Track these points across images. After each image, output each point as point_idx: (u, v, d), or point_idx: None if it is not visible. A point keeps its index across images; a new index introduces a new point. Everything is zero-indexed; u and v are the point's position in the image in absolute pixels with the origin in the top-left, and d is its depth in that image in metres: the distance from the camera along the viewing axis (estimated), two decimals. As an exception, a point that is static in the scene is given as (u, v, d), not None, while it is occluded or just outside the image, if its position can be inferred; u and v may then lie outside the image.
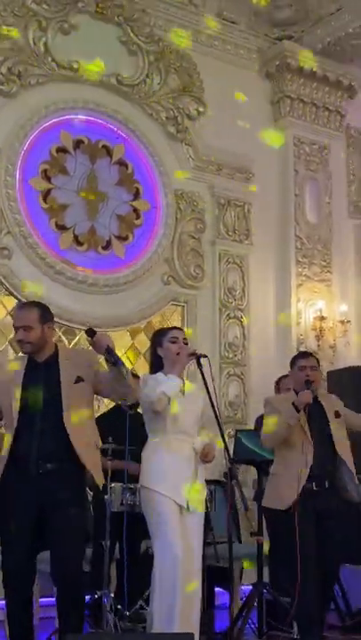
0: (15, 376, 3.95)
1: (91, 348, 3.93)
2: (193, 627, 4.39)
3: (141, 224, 7.52)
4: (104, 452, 5.14)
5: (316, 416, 4.80)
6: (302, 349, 8.15)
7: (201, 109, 7.94)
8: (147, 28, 7.75)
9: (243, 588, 5.99)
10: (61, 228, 7.09)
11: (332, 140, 8.81)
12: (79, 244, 7.16)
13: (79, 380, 3.95)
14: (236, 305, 7.90)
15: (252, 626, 5.34)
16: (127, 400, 4.23)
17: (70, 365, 3.99)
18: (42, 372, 3.96)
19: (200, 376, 4.51)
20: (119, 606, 5.36)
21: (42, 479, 3.80)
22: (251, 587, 6.32)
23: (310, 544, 4.61)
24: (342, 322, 8.28)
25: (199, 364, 4.65)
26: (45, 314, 4.02)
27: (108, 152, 7.46)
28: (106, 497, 5.31)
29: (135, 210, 7.51)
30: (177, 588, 4.29)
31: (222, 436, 4.57)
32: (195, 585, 4.50)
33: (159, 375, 4.53)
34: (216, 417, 4.45)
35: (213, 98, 8.03)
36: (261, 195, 8.23)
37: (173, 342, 4.66)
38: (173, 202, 7.69)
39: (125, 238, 7.42)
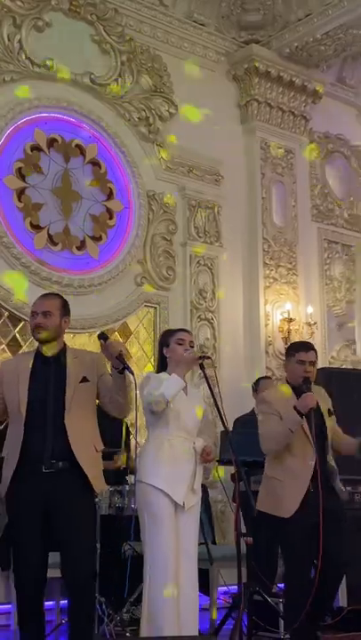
0: (22, 370, 3.88)
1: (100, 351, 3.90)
2: (189, 631, 4.38)
3: (115, 225, 7.47)
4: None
5: (313, 415, 4.61)
6: (270, 351, 8.24)
7: (172, 110, 7.93)
8: (118, 27, 7.71)
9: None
10: (36, 227, 6.98)
11: (297, 144, 8.91)
12: (54, 243, 7.06)
13: (85, 380, 3.91)
14: (207, 306, 7.91)
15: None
16: (121, 414, 4.16)
17: (78, 364, 3.95)
18: (51, 367, 3.91)
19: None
20: (110, 611, 5.32)
21: (53, 478, 3.75)
22: (227, 588, 6.38)
23: (308, 551, 4.54)
24: (309, 324, 8.38)
25: (202, 367, 4.66)
26: (66, 306, 4.01)
27: (82, 151, 7.38)
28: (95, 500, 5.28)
29: (108, 210, 7.46)
30: (169, 591, 4.26)
31: (228, 437, 4.58)
32: (186, 587, 4.48)
33: (163, 375, 4.51)
34: (221, 418, 4.45)
35: (183, 99, 8.04)
36: (230, 197, 8.27)
37: (180, 344, 4.65)
38: (145, 203, 7.65)
39: (99, 239, 7.36)
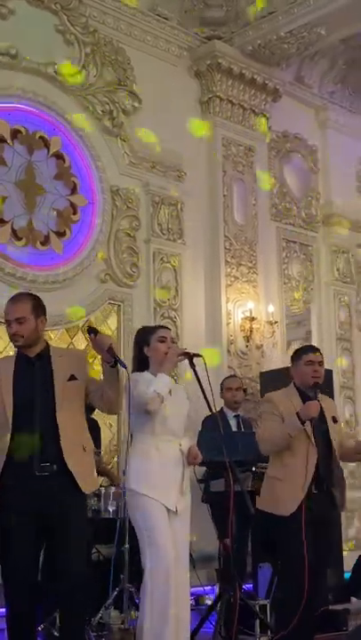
0: (4, 374, 3.72)
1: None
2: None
3: (79, 220, 7.29)
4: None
5: (315, 421, 4.55)
6: (232, 350, 8.18)
7: (136, 104, 7.79)
8: (82, 18, 7.53)
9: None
10: (-1, 221, 6.77)
11: (257, 142, 8.87)
12: (17, 238, 6.85)
13: (73, 378, 3.77)
14: (170, 304, 7.80)
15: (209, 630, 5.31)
16: (112, 410, 4.03)
17: (63, 363, 3.81)
18: (35, 367, 3.76)
19: (188, 376, 4.42)
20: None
21: (44, 481, 3.61)
22: (203, 589, 6.31)
23: (303, 551, 4.51)
24: (270, 323, 8.35)
25: (192, 364, 4.55)
26: (39, 306, 3.84)
27: (46, 144, 7.18)
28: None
29: (72, 205, 7.27)
30: (170, 600, 4.17)
31: (221, 439, 4.49)
32: (186, 597, 4.41)
33: (146, 374, 4.39)
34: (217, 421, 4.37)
35: (146, 94, 7.91)
36: (193, 194, 8.18)
37: (162, 341, 4.54)
38: (109, 198, 7.50)
39: (63, 234, 7.17)
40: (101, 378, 3.86)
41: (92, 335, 3.74)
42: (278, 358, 8.57)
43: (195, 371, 4.49)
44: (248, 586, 6.39)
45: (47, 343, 3.90)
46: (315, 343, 9.27)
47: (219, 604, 5.40)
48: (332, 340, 9.36)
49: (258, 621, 5.49)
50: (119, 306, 7.47)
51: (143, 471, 4.28)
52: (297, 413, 4.43)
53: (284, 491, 4.52)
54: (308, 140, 9.62)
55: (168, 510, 4.34)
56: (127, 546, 5.43)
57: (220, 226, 8.31)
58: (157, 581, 4.17)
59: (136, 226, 7.66)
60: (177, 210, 8.00)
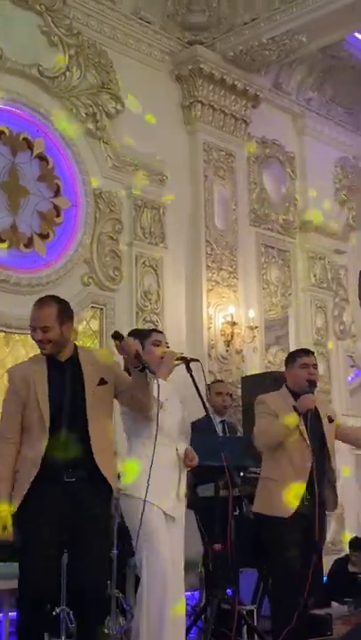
0: (37, 377, 3.65)
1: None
2: None
3: (62, 222, 7.24)
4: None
5: (312, 420, 4.69)
6: (212, 354, 8.18)
7: (119, 108, 7.76)
8: (67, 19, 7.49)
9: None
10: (-18, 223, 6.69)
11: (237, 147, 8.90)
12: (1, 240, 6.77)
13: (102, 382, 3.72)
14: (152, 309, 7.78)
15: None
16: (143, 412, 3.99)
17: (92, 365, 3.75)
18: (66, 372, 3.70)
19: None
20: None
21: (72, 487, 3.57)
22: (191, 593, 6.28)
23: (299, 553, 4.55)
24: (251, 327, 8.36)
25: (189, 369, 4.55)
26: (64, 311, 3.76)
27: (29, 145, 7.12)
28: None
29: (56, 207, 7.22)
30: (165, 607, 4.16)
31: (218, 442, 4.48)
32: (181, 601, 4.40)
33: None
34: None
35: (128, 97, 7.88)
36: (175, 198, 8.17)
37: (157, 345, 4.54)
38: (92, 201, 7.46)
39: (47, 236, 7.11)
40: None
41: (117, 341, 3.69)
42: (258, 363, 8.60)
43: (192, 376, 4.49)
44: (228, 591, 6.39)
45: (75, 346, 3.84)
46: (292, 348, 9.33)
47: (208, 610, 5.39)
48: (309, 346, 9.32)
49: (246, 626, 5.50)
50: (101, 309, 7.43)
51: (141, 475, 4.26)
52: (294, 406, 4.53)
53: (280, 492, 4.55)
54: (286, 146, 9.67)
55: (165, 515, 4.33)
56: (115, 551, 5.39)
57: (202, 230, 8.31)
58: (154, 587, 4.16)
59: (119, 229, 7.63)
60: (159, 214, 7.98)
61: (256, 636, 5.44)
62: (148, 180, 7.95)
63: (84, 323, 7.30)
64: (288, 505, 4.52)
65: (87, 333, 7.31)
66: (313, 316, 9.56)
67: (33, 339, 3.75)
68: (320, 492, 4.64)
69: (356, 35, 9.21)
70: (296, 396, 4.75)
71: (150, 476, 4.19)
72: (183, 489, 4.53)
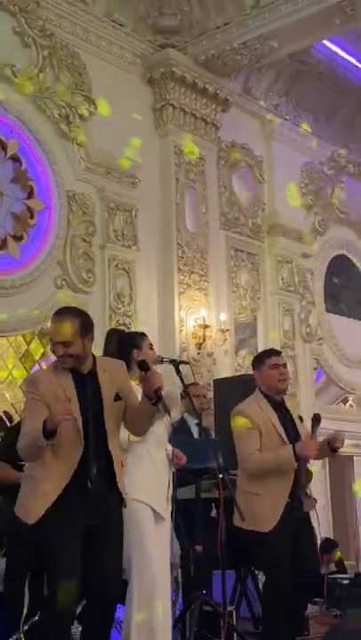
0: (65, 385, 3.56)
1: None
2: None
3: (35, 224, 7.20)
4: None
5: (288, 427, 4.63)
6: (184, 358, 8.18)
7: (92, 109, 7.75)
8: (40, 21, 7.45)
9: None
10: None
11: (207, 151, 8.94)
12: (-25, 241, 6.73)
13: (118, 398, 3.69)
14: (125, 311, 7.77)
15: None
16: (138, 434, 3.95)
17: (108, 378, 3.70)
18: (89, 385, 3.63)
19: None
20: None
21: (95, 501, 3.56)
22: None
23: (288, 564, 4.49)
24: (222, 330, 8.40)
25: (178, 372, 4.55)
26: (86, 325, 3.66)
27: (3, 146, 7.07)
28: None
29: (29, 209, 7.17)
30: (155, 607, 4.16)
31: (210, 446, 4.49)
32: (167, 600, 4.40)
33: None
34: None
35: (100, 99, 7.87)
36: (147, 200, 8.18)
37: (151, 349, 4.57)
38: (66, 203, 7.43)
39: (20, 238, 7.07)
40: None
41: (144, 372, 3.64)
42: (228, 366, 8.65)
43: (181, 378, 4.49)
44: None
45: (94, 357, 3.76)
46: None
47: (189, 613, 5.39)
48: (277, 348, 9.45)
49: (225, 627, 5.51)
50: (75, 312, 7.38)
51: (135, 476, 4.25)
52: (294, 449, 4.38)
53: (263, 507, 4.47)
54: (255, 150, 9.74)
55: (155, 515, 4.34)
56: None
57: (173, 233, 8.33)
58: (144, 588, 4.15)
59: (92, 231, 7.62)
60: (131, 216, 7.98)
61: (236, 637, 5.46)
62: (120, 183, 7.95)
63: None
64: (271, 520, 4.44)
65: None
66: (281, 319, 9.64)
67: (53, 353, 3.68)
68: (299, 500, 4.61)
69: (325, 42, 9.32)
70: (271, 400, 4.67)
71: (145, 476, 4.22)
72: (171, 490, 4.55)
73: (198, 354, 8.23)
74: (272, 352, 4.85)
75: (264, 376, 4.69)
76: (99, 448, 3.59)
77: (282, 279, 9.72)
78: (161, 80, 8.46)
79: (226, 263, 9.08)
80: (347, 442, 5.08)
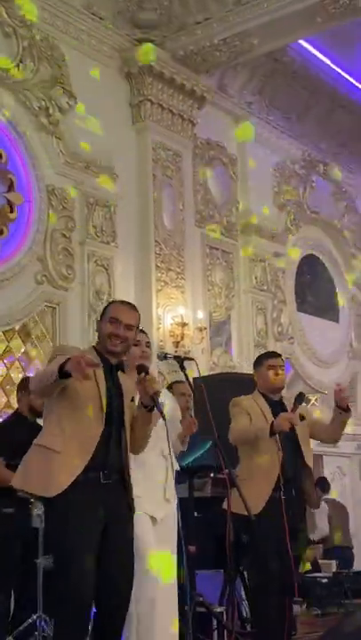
0: (95, 370, 3.46)
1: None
2: None
3: (15, 218, 7.04)
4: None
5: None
6: (161, 355, 8.09)
7: (71, 103, 7.61)
8: (20, 11, 7.29)
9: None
10: None
11: (184, 148, 8.86)
12: None
13: (132, 399, 3.66)
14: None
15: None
16: (135, 450, 3.78)
17: (128, 380, 3.69)
18: (115, 376, 3.61)
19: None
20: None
21: (107, 490, 3.46)
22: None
23: (273, 555, 4.53)
24: (200, 329, 8.33)
25: (183, 368, 4.49)
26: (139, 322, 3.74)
27: (-18, 138, 6.91)
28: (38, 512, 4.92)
29: (10, 202, 7.01)
30: (154, 624, 4.05)
31: (215, 443, 4.42)
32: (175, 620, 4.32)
33: None
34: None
35: (80, 93, 7.74)
36: (125, 196, 8.07)
37: (148, 346, 4.49)
38: (46, 197, 7.28)
39: (0, 232, 6.90)
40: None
41: (143, 374, 3.57)
42: (204, 364, 8.57)
43: (186, 375, 4.43)
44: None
45: None
46: (234, 350, 9.37)
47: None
48: (251, 348, 9.45)
49: (217, 627, 5.47)
50: (54, 308, 7.26)
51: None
52: (271, 423, 4.51)
53: (249, 490, 4.54)
54: (229, 148, 9.69)
55: (154, 521, 4.25)
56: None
57: (151, 230, 8.24)
58: (143, 606, 4.06)
59: (71, 227, 7.49)
60: (110, 212, 7.87)
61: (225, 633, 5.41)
62: (99, 178, 7.83)
63: (42, 322, 7.11)
64: (256, 503, 4.52)
65: (38, 333, 7.13)
66: (254, 318, 9.61)
67: (110, 331, 3.59)
68: (293, 487, 4.66)
69: (301, 42, 9.32)
70: (267, 398, 4.80)
71: (137, 482, 4.10)
72: (172, 489, 4.46)
73: (176, 352, 8.12)
74: (271, 354, 5.05)
75: (262, 376, 4.88)
76: (115, 437, 3.52)
77: (255, 278, 9.69)
78: (139, 75, 8.36)
79: (201, 261, 9.02)
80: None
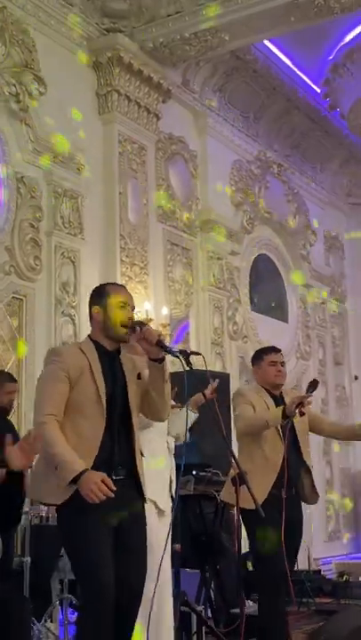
0: (91, 359, 3.36)
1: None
2: None
3: (-16, 206, 6.80)
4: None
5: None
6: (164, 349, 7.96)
7: (41, 90, 7.39)
8: (-9, -8, 7.06)
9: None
10: None
11: (148, 141, 8.74)
12: None
13: (139, 377, 3.48)
14: (70, 302, 7.46)
15: None
16: (157, 417, 3.65)
17: (130, 359, 3.52)
18: (115, 362, 3.45)
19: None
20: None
21: (120, 486, 3.29)
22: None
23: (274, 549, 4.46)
24: (163, 325, 8.22)
25: (189, 364, 4.37)
26: None
27: None
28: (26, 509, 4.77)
29: (-22, 190, 6.77)
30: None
31: (223, 437, 4.33)
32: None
33: None
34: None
35: (48, 80, 7.53)
36: (92, 188, 7.90)
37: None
38: (14, 185, 7.05)
39: (-31, 220, 6.66)
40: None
41: (139, 329, 3.41)
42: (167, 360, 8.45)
43: (192, 370, 4.31)
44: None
45: None
46: (193, 347, 9.26)
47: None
48: (208, 345, 9.39)
49: (197, 627, 5.40)
50: (21, 300, 7.03)
51: None
52: (283, 408, 4.42)
53: (251, 482, 4.45)
54: (190, 144, 9.61)
55: (158, 511, 4.18)
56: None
57: (117, 224, 8.09)
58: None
59: (39, 217, 7.27)
60: (77, 203, 7.68)
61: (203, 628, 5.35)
62: (66, 168, 7.64)
63: (9, 314, 6.89)
64: (258, 496, 4.41)
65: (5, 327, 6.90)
66: (211, 317, 9.55)
67: (127, 317, 3.47)
68: (294, 484, 4.60)
69: (265, 42, 9.32)
70: (269, 392, 4.72)
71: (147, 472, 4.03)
72: (174, 483, 4.41)
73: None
74: (271, 349, 4.88)
75: (262, 372, 4.78)
76: (120, 429, 3.39)
77: (213, 276, 9.63)
78: (107, 65, 8.19)
79: (163, 257, 8.91)
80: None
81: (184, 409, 4.43)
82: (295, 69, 10.19)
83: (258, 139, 10.80)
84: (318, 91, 10.54)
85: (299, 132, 11.36)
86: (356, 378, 12.78)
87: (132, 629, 3.37)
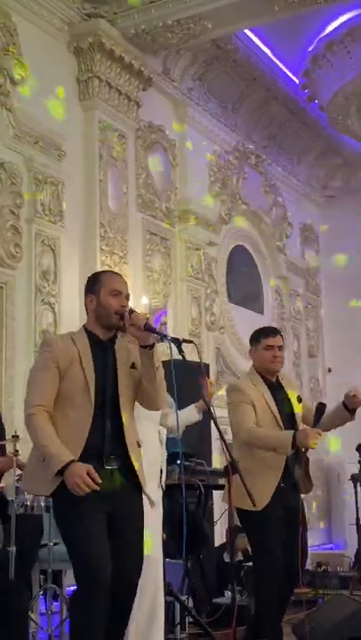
0: (81, 349, 3.34)
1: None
2: None
3: (-35, 191, 6.68)
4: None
5: (282, 405, 4.52)
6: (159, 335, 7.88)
7: (22, 74, 7.28)
8: (-27, -27, 6.93)
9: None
10: None
11: (128, 129, 8.66)
12: None
13: (133, 366, 3.44)
14: (50, 290, 7.36)
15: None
16: (151, 405, 3.58)
17: (124, 347, 3.48)
18: (108, 351, 3.42)
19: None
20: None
21: (109, 477, 3.27)
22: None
23: (279, 547, 4.37)
24: (144, 315, 8.14)
25: (181, 351, 4.32)
26: None
27: None
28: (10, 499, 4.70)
29: None
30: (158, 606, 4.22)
31: (218, 429, 4.29)
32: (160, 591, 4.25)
33: None
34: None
35: (30, 65, 7.41)
36: (72, 175, 7.80)
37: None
38: (-5, 171, 6.95)
39: None
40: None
41: (127, 314, 3.39)
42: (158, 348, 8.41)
43: (184, 358, 4.26)
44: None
45: None
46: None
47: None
48: (185, 336, 9.32)
49: (186, 617, 5.41)
50: (1, 288, 6.93)
51: None
52: (293, 437, 4.24)
53: (256, 483, 4.26)
54: (169, 133, 9.54)
55: (149, 502, 4.14)
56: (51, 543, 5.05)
57: (97, 212, 7.99)
58: (145, 589, 3.98)
59: (19, 203, 7.16)
60: (58, 190, 7.58)
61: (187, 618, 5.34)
62: (47, 155, 7.53)
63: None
64: (263, 498, 4.30)
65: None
66: (189, 307, 9.51)
67: (120, 305, 3.46)
68: (294, 484, 4.49)
69: (246, 31, 9.27)
70: (265, 379, 4.56)
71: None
72: (164, 474, 4.38)
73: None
74: (269, 331, 4.68)
75: (258, 355, 4.59)
76: (112, 418, 3.35)
77: (191, 266, 9.59)
78: (88, 51, 8.09)
79: (142, 246, 8.84)
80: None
81: (186, 408, 4.40)
82: (275, 60, 10.14)
83: (236, 129, 10.76)
84: (297, 82, 10.51)
85: (277, 123, 11.33)
86: (329, 370, 12.83)
87: (126, 620, 3.33)
